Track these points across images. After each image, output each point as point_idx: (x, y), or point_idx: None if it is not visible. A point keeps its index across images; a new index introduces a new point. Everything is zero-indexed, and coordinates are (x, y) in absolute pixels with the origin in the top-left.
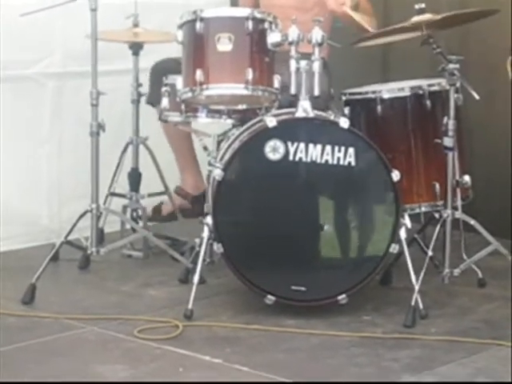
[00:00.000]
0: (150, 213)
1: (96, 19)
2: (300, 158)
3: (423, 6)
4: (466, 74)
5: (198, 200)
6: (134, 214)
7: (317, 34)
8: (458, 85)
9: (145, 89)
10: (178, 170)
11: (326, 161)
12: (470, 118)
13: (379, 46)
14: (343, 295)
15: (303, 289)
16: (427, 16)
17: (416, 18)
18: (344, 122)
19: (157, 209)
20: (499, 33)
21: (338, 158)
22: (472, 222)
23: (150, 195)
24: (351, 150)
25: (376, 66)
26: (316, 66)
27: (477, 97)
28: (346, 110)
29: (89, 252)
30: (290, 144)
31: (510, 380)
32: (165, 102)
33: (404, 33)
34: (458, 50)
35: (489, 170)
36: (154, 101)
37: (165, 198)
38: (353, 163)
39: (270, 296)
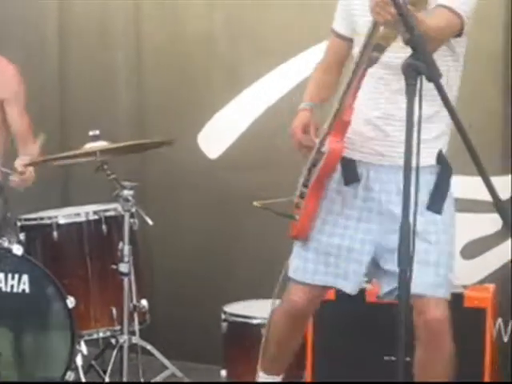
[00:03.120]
0: None
1: None
2: None
3: (97, 132)
4: (145, 199)
5: None
6: None
7: None
8: (133, 210)
9: None
10: None
11: (0, 288)
12: (150, 242)
13: (59, 170)
14: None
15: None
16: (101, 143)
17: (90, 145)
18: (17, 249)
19: None
20: (178, 159)
21: (12, 286)
22: (148, 346)
23: None
24: (25, 277)
25: (56, 191)
26: None
27: (150, 222)
28: (22, 236)
29: None
30: None
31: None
32: None
33: (81, 157)
34: (137, 175)
35: (168, 294)
36: None
37: None
38: (27, 290)
39: None
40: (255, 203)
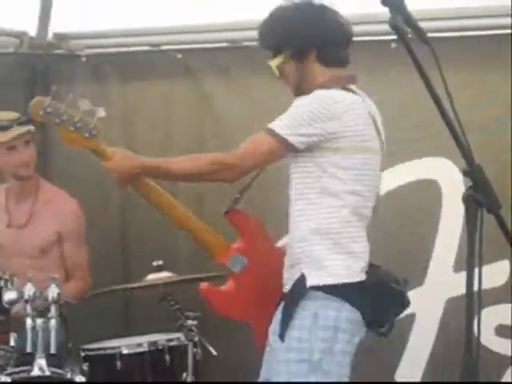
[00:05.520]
0: None
1: None
2: None
3: (161, 263)
4: (206, 329)
5: None
6: None
7: (53, 292)
8: (196, 339)
9: None
10: None
11: None
12: (210, 372)
13: (120, 300)
14: None
15: None
16: (164, 274)
17: (153, 276)
18: (80, 380)
19: None
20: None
21: None
22: None
23: None
24: None
25: (117, 321)
26: (53, 324)
27: (214, 352)
28: (85, 366)
29: None
30: None
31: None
32: None
33: (143, 288)
34: (199, 304)
35: None
36: None
37: None
38: None
39: None
40: None
